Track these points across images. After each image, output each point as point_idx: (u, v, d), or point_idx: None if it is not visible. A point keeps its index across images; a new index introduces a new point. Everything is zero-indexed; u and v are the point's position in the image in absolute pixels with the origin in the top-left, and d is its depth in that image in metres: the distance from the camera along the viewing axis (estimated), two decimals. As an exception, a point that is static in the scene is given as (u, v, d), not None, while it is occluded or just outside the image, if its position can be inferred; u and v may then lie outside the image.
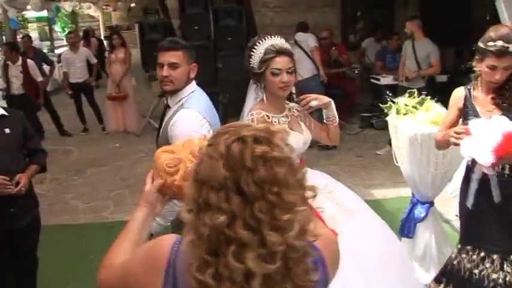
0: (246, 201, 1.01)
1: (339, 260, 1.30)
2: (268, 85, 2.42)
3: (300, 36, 7.25)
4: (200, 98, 2.46)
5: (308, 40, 7.20)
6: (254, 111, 2.41)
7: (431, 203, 3.59)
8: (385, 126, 4.54)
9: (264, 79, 2.41)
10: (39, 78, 7.49)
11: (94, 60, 8.68)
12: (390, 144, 4.22)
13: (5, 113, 3.01)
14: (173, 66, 2.39)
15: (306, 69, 6.89)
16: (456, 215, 4.69)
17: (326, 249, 1.21)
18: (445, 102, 7.19)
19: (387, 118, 3.54)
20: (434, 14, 8.31)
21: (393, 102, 3.54)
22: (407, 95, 3.48)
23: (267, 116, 2.40)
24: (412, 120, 3.34)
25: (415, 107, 3.37)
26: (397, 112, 3.43)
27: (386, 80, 7.29)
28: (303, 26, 7.46)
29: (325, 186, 2.54)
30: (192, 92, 2.46)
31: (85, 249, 4.36)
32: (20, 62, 7.36)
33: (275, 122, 2.38)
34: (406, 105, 3.40)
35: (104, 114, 8.56)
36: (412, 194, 3.67)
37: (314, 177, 2.65)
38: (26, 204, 3.13)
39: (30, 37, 9.02)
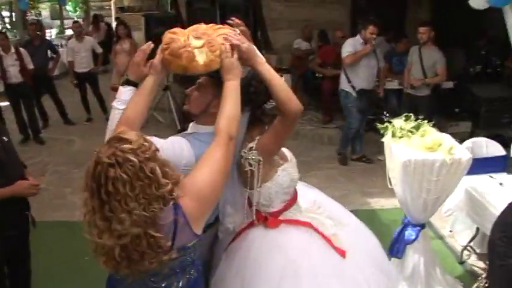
0: (102, 202, 1.59)
1: (206, 191, 1.77)
2: None
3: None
4: None
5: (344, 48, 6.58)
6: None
7: (423, 226, 3.57)
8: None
9: None
10: (30, 66, 7.41)
11: (99, 50, 8.62)
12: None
13: (-2, 122, 3.06)
14: None
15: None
16: (450, 231, 4.69)
17: (187, 201, 1.71)
18: (450, 109, 7.07)
19: (383, 139, 3.50)
20: (445, 15, 8.15)
21: (390, 122, 3.51)
22: (403, 118, 3.43)
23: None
24: (406, 145, 3.30)
25: (410, 131, 3.33)
26: (393, 135, 3.40)
27: (391, 84, 7.15)
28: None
29: (314, 203, 2.51)
30: None
31: (79, 250, 4.32)
32: (13, 50, 7.28)
33: None
34: (401, 128, 3.36)
35: (109, 104, 8.50)
36: (405, 214, 3.65)
37: (302, 191, 2.54)
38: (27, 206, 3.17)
39: (37, 24, 8.87)
